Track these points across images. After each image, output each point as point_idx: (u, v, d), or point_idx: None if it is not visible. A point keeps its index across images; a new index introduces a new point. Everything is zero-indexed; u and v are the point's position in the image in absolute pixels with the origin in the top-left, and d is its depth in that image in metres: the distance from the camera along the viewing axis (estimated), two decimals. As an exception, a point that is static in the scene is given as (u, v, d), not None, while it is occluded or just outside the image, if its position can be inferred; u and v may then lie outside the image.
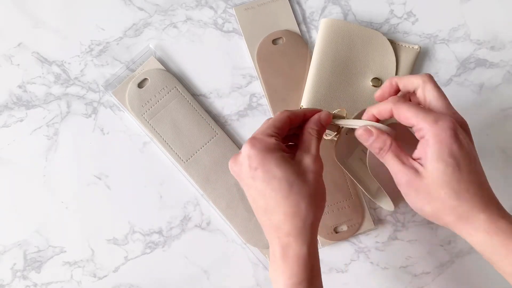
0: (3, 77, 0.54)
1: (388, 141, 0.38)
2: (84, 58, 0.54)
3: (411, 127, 0.39)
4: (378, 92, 0.43)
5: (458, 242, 0.52)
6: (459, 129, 0.37)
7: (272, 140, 0.39)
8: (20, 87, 0.54)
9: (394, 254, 0.52)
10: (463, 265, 0.52)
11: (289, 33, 0.54)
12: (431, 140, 0.36)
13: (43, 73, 0.54)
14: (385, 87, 0.43)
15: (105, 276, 0.52)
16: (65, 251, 0.52)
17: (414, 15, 0.55)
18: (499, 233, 0.35)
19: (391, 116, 0.40)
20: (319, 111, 0.43)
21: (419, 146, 0.37)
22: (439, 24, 0.55)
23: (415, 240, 0.52)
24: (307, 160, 0.39)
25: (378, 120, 0.41)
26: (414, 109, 0.37)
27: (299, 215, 0.37)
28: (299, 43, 0.54)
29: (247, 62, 0.55)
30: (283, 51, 0.54)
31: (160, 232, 0.52)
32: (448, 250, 0.52)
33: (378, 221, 0.52)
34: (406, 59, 0.53)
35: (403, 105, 0.38)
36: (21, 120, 0.54)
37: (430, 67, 0.55)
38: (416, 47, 0.53)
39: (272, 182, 0.38)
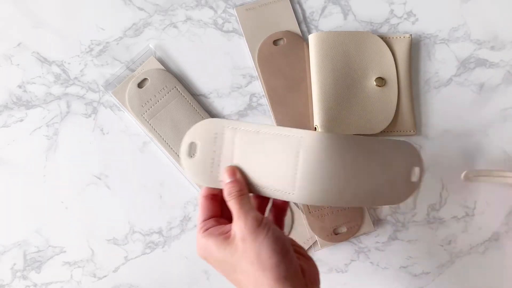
0: (3, 77, 0.54)
1: None
2: (84, 58, 0.54)
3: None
4: None
5: (458, 242, 0.52)
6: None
7: (201, 238, 0.38)
8: (20, 87, 0.54)
9: (394, 254, 0.52)
10: (463, 265, 0.52)
11: (290, 34, 0.54)
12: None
13: (43, 73, 0.54)
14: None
15: (105, 276, 0.52)
16: (65, 251, 0.52)
17: (414, 15, 0.55)
18: None
19: None
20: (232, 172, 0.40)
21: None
22: (439, 24, 0.55)
23: (415, 240, 0.52)
24: (234, 229, 0.37)
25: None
26: None
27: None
28: (300, 44, 0.54)
29: (247, 62, 0.55)
30: (284, 52, 0.54)
31: (160, 232, 0.52)
32: (448, 250, 0.52)
33: (378, 221, 0.52)
34: (401, 50, 0.54)
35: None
36: (21, 120, 0.54)
37: (430, 67, 0.55)
38: (407, 36, 0.54)
39: (226, 275, 0.38)
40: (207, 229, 0.39)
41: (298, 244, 0.41)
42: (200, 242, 0.39)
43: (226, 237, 0.37)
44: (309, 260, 0.39)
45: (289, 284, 0.35)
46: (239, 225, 0.37)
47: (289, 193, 0.39)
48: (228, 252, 0.36)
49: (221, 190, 0.40)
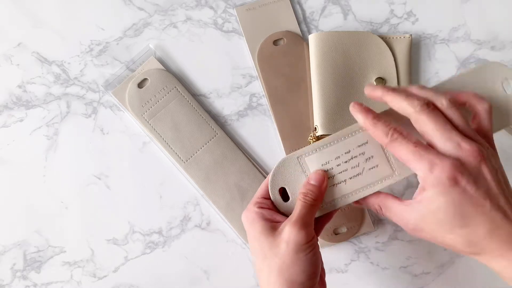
0: (3, 77, 0.54)
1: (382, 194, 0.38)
2: (84, 58, 0.54)
3: None
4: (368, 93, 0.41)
5: (458, 242, 0.52)
6: (463, 172, 0.33)
7: (252, 212, 0.39)
8: (19, 87, 0.54)
9: (394, 254, 0.52)
10: (463, 265, 0.52)
11: (290, 34, 0.54)
12: (429, 190, 0.34)
13: (42, 73, 0.54)
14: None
15: (105, 276, 0.52)
16: (65, 251, 0.52)
17: (414, 15, 0.55)
18: None
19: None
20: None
21: (418, 189, 0.36)
22: (439, 24, 0.55)
23: (415, 240, 0.52)
24: (286, 229, 0.37)
25: None
26: (410, 150, 0.35)
27: None
28: (300, 44, 0.54)
29: (247, 62, 0.55)
30: (284, 52, 0.54)
31: (160, 232, 0.52)
32: (448, 250, 0.52)
33: (378, 221, 0.52)
34: (402, 50, 0.54)
35: (398, 145, 0.35)
36: (21, 120, 0.54)
37: (430, 67, 0.55)
38: (407, 36, 0.54)
39: (253, 253, 0.39)
40: (261, 207, 0.39)
41: (322, 267, 0.41)
42: (249, 214, 0.39)
43: (274, 226, 0.38)
44: (324, 286, 0.40)
45: None
46: (291, 230, 0.36)
47: (390, 176, 0.39)
48: (268, 243, 0.37)
49: None
